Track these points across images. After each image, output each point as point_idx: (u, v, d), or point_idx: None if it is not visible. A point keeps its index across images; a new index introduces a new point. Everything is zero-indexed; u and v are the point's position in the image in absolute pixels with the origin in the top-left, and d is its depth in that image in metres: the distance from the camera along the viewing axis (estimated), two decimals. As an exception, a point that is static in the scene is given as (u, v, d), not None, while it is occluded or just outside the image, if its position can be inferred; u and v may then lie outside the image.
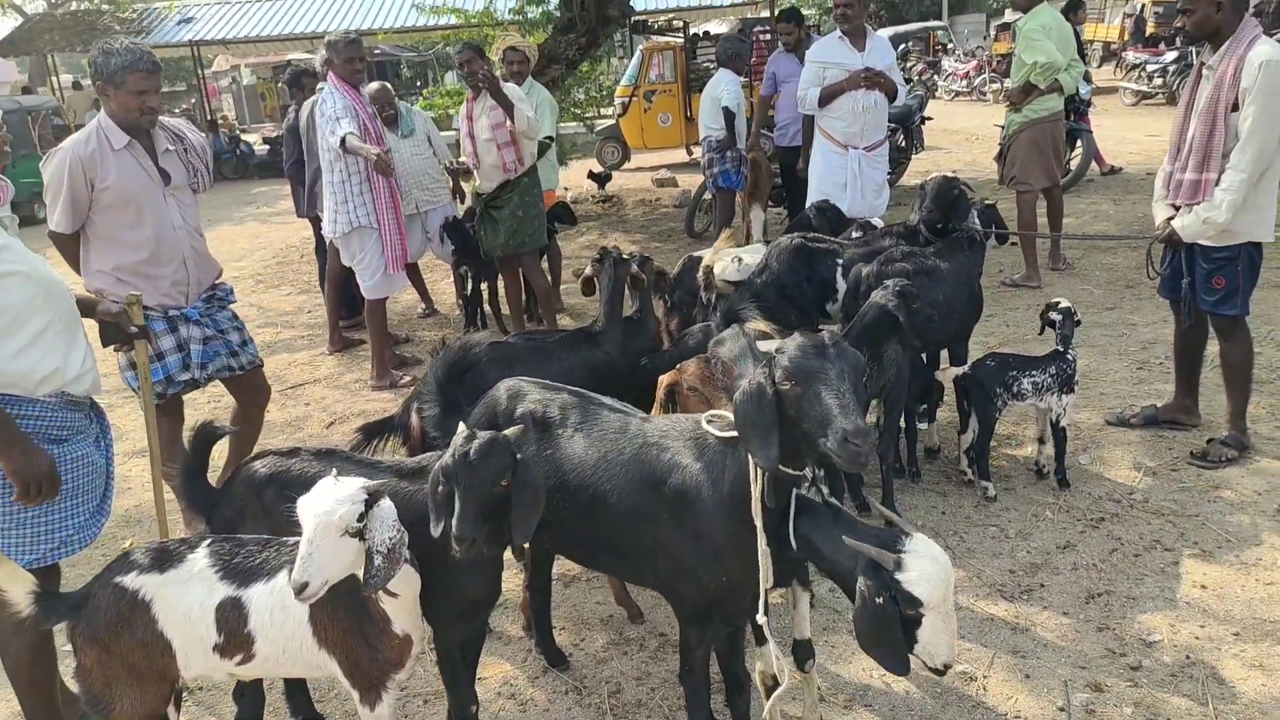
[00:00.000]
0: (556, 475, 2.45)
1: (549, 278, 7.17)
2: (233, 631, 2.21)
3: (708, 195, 9.50)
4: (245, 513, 2.62)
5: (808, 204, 6.78)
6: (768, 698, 2.64)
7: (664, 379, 2.94)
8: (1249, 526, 3.72)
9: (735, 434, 2.13)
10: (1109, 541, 3.72)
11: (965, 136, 16.04)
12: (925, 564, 2.05)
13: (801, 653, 2.68)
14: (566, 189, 13.90)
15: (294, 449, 2.75)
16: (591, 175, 13.64)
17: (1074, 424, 4.71)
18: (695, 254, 4.96)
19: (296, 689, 2.95)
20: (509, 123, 5.91)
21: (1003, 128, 11.13)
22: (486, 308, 7.47)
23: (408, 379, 6.33)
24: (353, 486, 2.11)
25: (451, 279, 7.94)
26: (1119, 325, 6.12)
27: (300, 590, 2.00)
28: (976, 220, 4.33)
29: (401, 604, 2.24)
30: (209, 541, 2.30)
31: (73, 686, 3.14)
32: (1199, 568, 3.49)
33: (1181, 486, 4.08)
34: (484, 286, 7.36)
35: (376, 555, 2.06)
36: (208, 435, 2.80)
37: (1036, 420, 4.29)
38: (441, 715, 2.98)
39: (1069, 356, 4.10)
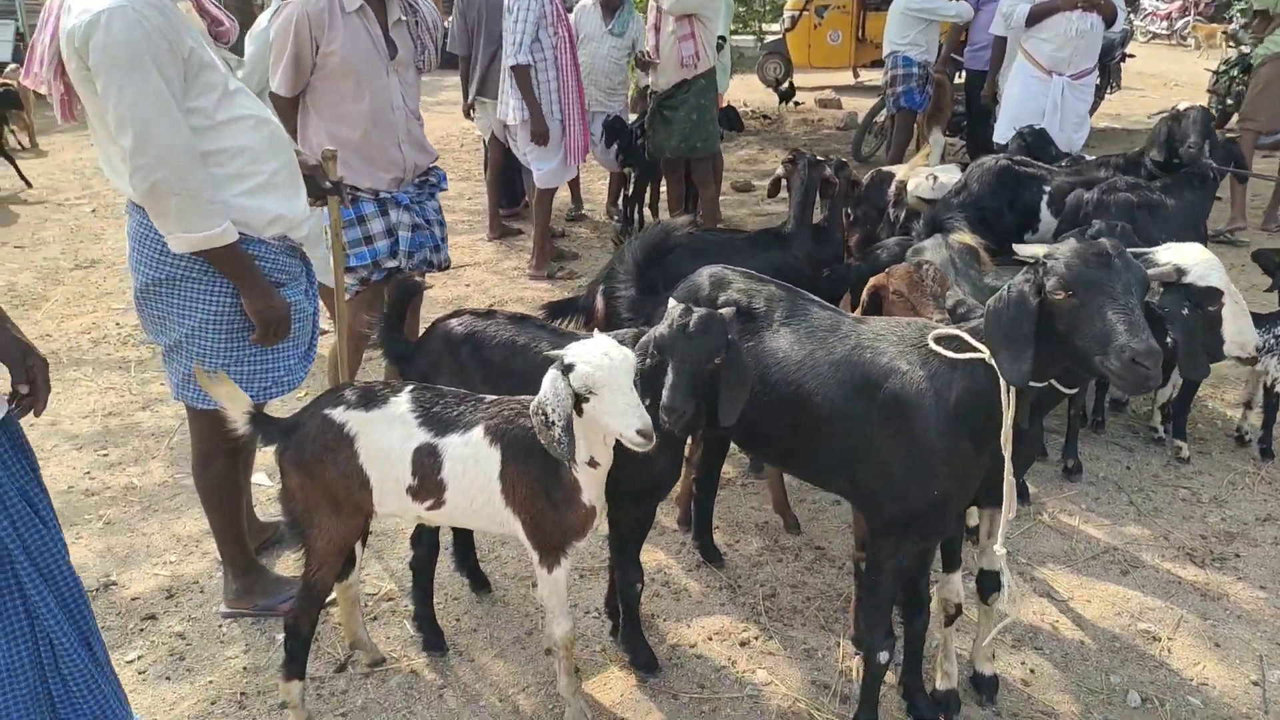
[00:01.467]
0: (758, 368, 2.37)
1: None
2: (426, 476, 2.25)
3: (880, 117, 9.08)
4: (440, 367, 2.66)
5: (998, 133, 6.41)
6: (945, 625, 2.55)
7: (872, 281, 2.80)
8: None
9: (971, 356, 1.99)
10: (1318, 521, 3.42)
11: (1163, 81, 14.73)
12: (1196, 255, 2.13)
13: (988, 584, 2.56)
14: (732, 104, 13.54)
15: (490, 310, 2.77)
16: (779, 91, 13.08)
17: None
18: (885, 169, 4.72)
19: (462, 543, 3.03)
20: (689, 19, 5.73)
21: (1218, 70, 10.19)
22: (646, 211, 7.40)
23: (565, 271, 6.36)
24: (599, 337, 2.16)
25: (607, 183, 7.90)
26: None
27: (653, 432, 2.03)
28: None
29: (596, 475, 2.23)
30: (412, 388, 2.33)
31: (260, 515, 3.34)
32: None
33: (1405, 474, 3.70)
34: (647, 190, 7.28)
35: None
36: (408, 289, 2.85)
37: (1247, 383, 3.94)
38: (595, 595, 3.01)
39: (1294, 314, 3.73)
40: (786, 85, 12.81)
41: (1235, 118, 6.77)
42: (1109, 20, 5.95)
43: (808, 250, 3.68)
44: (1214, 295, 2.14)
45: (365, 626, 2.73)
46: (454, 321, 2.73)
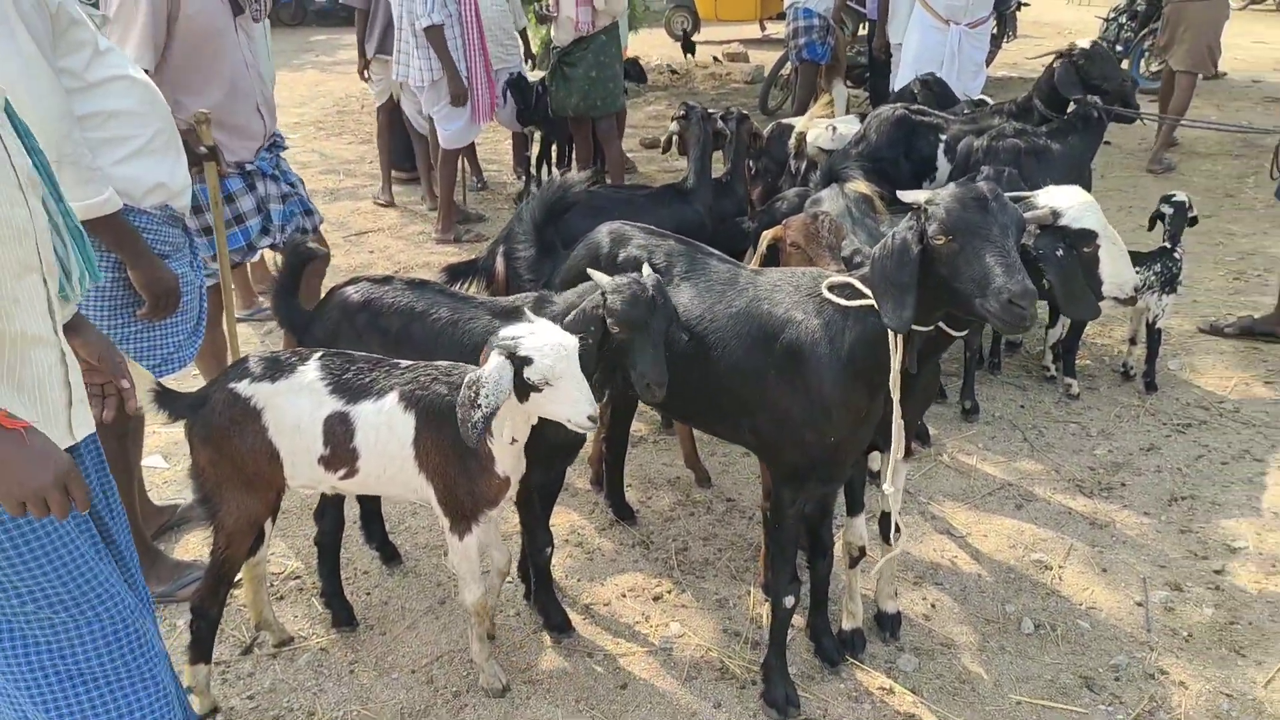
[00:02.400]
0: None
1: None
2: (338, 445, 2.21)
3: (786, 69, 9.10)
4: (337, 335, 2.58)
5: (898, 83, 6.49)
6: (850, 567, 2.62)
7: (767, 233, 2.81)
8: (1345, 445, 3.58)
9: (861, 303, 2.02)
10: (1195, 448, 3.60)
11: (1058, 29, 15.11)
12: (1072, 197, 2.18)
13: (889, 527, 2.63)
14: (638, 58, 13.41)
15: (388, 277, 2.69)
16: (684, 41, 13.02)
17: (1165, 329, 4.53)
18: (785, 121, 4.74)
19: (372, 518, 2.99)
20: None
21: (1108, 18, 10.46)
22: (554, 170, 7.31)
23: (472, 234, 6.25)
24: (539, 322, 2.13)
25: (510, 147, 7.74)
26: (1216, 234, 5.82)
27: (597, 418, 2.05)
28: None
29: (513, 449, 2.21)
30: (320, 355, 2.28)
31: (155, 499, 3.23)
32: (1290, 481, 3.37)
33: (1275, 399, 3.92)
34: (553, 148, 7.18)
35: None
36: (301, 254, 2.74)
37: (1130, 319, 4.11)
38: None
39: (1176, 254, 3.89)
40: (688, 39, 12.75)
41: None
42: (1001, -32, 6.06)
43: (709, 204, 3.68)
44: (1089, 237, 2.19)
45: (271, 606, 2.67)
46: (350, 289, 2.65)
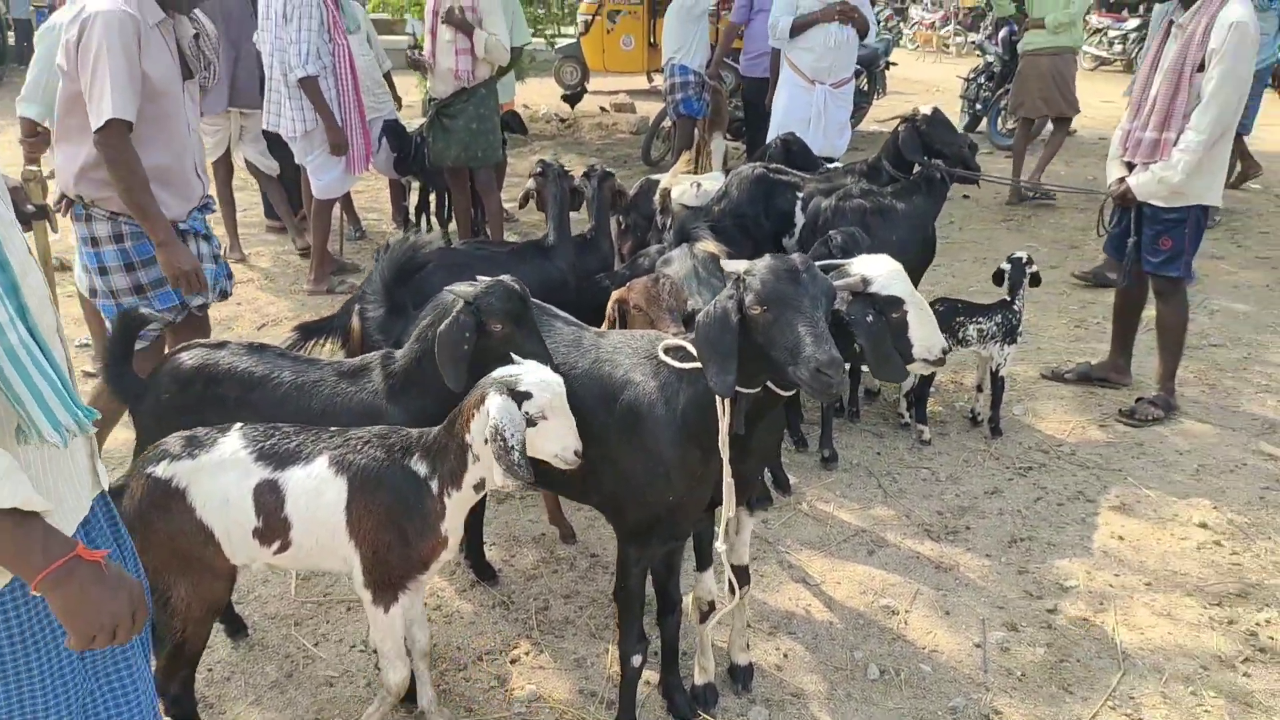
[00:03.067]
0: None
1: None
2: (270, 515, 2.16)
3: (667, 122, 9.33)
4: (173, 405, 2.51)
5: (769, 138, 6.75)
6: (700, 622, 2.66)
7: (614, 295, 2.88)
8: (1168, 484, 3.84)
9: (693, 366, 2.09)
10: (1034, 490, 3.81)
11: (927, 87, 15.98)
12: (881, 266, 2.24)
13: (739, 579, 2.68)
14: (526, 106, 13.53)
15: (222, 342, 2.63)
16: (565, 96, 13.28)
17: (1010, 375, 4.79)
18: (653, 176, 4.86)
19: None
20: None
21: (968, 78, 11.12)
22: (434, 220, 7.28)
23: (346, 285, 6.15)
24: (531, 363, 2.19)
25: (389, 195, 7.67)
26: (1060, 284, 6.21)
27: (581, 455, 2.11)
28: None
29: (464, 502, 2.19)
30: (241, 427, 2.24)
31: None
32: (1118, 520, 3.59)
33: (1108, 442, 4.19)
34: (432, 197, 7.16)
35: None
36: (132, 321, 2.66)
37: (977, 368, 4.34)
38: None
39: (1015, 307, 4.14)
40: (574, 90, 12.99)
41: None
42: (863, 32, 6.39)
43: (571, 261, 3.74)
44: (895, 303, 2.32)
45: None
46: (184, 356, 2.58)
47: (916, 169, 4.27)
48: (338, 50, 5.61)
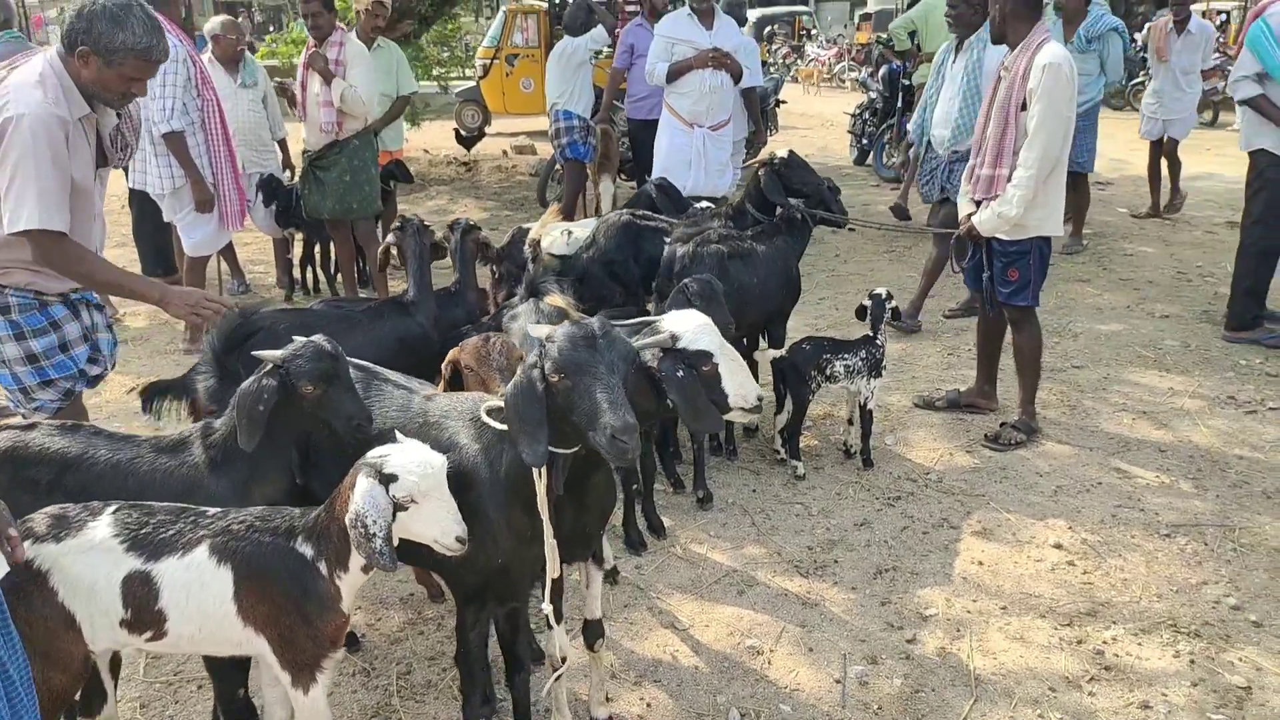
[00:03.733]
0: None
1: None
2: (142, 608, 2.06)
3: (559, 166, 9.41)
4: None
5: (649, 180, 6.86)
6: (556, 679, 2.63)
7: (449, 355, 2.87)
8: (1027, 506, 3.98)
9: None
10: (902, 519, 3.90)
11: (821, 121, 16.48)
12: (690, 322, 2.29)
13: (592, 632, 2.68)
14: (427, 150, 13.51)
15: (34, 423, 2.52)
16: (459, 136, 13.32)
17: (884, 405, 4.93)
18: (525, 225, 4.87)
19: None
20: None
21: (854, 113, 11.48)
22: (320, 273, 7.17)
23: (226, 343, 5.99)
24: (403, 441, 2.12)
25: (273, 251, 7.53)
26: (936, 312, 6.43)
27: (466, 540, 2.04)
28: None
29: (359, 580, 2.12)
30: (115, 509, 2.13)
31: None
32: (978, 545, 3.71)
33: (973, 467, 4.33)
34: (317, 250, 7.06)
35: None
36: None
37: (847, 402, 4.45)
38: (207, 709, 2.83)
39: (878, 341, 4.26)
40: (471, 131, 13.05)
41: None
42: (736, 77, 6.56)
43: (433, 315, 3.71)
44: (705, 357, 2.34)
45: None
46: None
47: (779, 211, 4.38)
48: (206, 105, 5.53)
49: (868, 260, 7.83)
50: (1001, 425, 4.56)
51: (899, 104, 9.53)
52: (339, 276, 6.98)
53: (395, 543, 2.02)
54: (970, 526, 3.84)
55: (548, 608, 2.23)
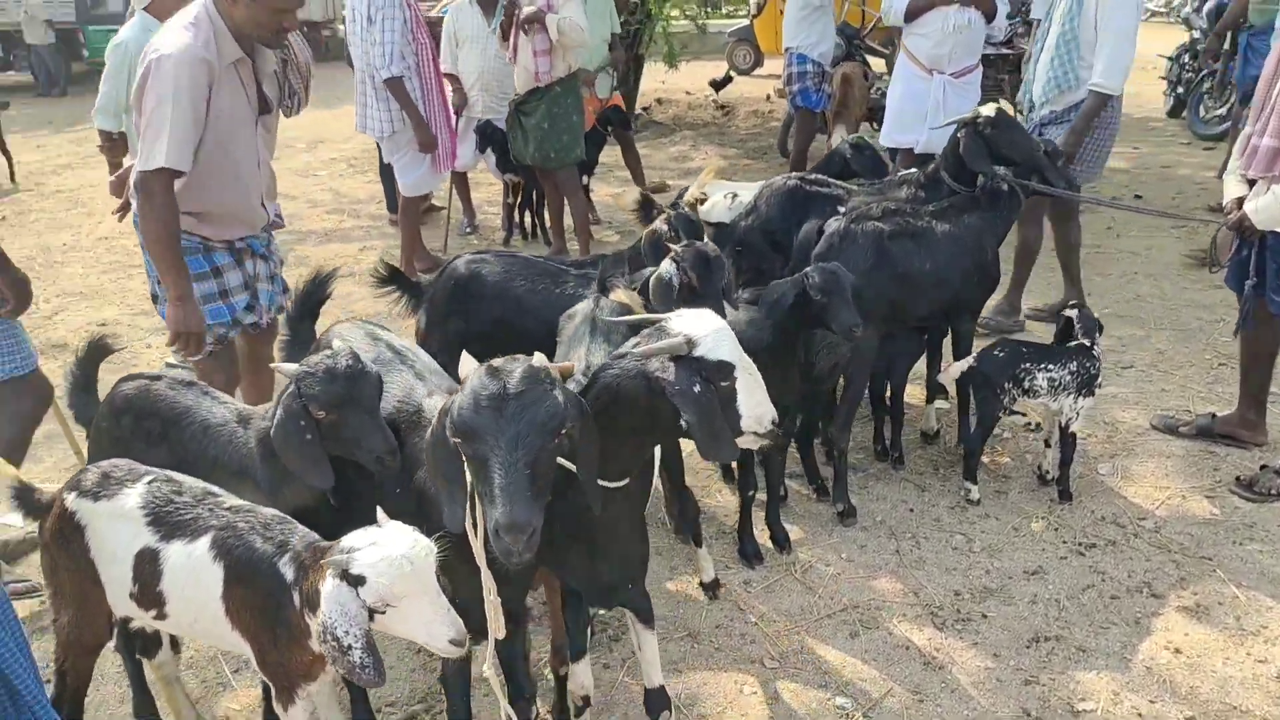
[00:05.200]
0: None
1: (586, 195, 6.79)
2: (147, 585, 2.04)
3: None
4: (109, 434, 2.50)
5: (883, 135, 6.13)
6: (576, 717, 2.36)
7: None
8: (1268, 583, 3.07)
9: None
10: (1088, 575, 3.15)
11: (1137, 64, 14.16)
12: (707, 324, 1.84)
13: (654, 704, 2.33)
14: (688, 93, 13.27)
15: (159, 375, 2.58)
16: (712, 81, 12.98)
17: (1110, 423, 4.06)
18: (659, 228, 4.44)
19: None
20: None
21: (1172, 56, 9.67)
22: (535, 218, 7.20)
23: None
24: (387, 525, 1.82)
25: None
26: (1220, 306, 5.21)
27: (465, 640, 1.77)
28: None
29: None
30: (151, 479, 2.11)
31: None
32: (1183, 625, 2.90)
33: (1208, 518, 3.42)
34: (534, 196, 7.08)
35: None
36: (98, 350, 2.70)
37: (1046, 421, 3.67)
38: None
39: (1095, 353, 3.45)
40: (724, 76, 12.64)
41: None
42: (989, 15, 5.65)
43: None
44: (725, 370, 1.82)
45: (193, 707, 2.54)
46: (126, 386, 2.54)
47: (981, 180, 3.64)
48: (421, 50, 5.60)
49: (1148, 235, 6.55)
50: (1262, 468, 3.56)
51: (1224, 45, 7.85)
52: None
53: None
54: (1179, 598, 3.02)
55: (488, 669, 1.94)
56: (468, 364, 1.75)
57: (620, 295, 2.52)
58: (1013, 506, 3.57)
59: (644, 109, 12.47)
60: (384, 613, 1.71)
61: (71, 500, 2.09)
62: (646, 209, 4.12)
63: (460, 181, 7.27)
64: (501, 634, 1.87)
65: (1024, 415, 3.89)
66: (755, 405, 1.82)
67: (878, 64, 9.17)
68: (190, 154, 2.83)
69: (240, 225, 3.20)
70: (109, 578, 2.07)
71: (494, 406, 1.60)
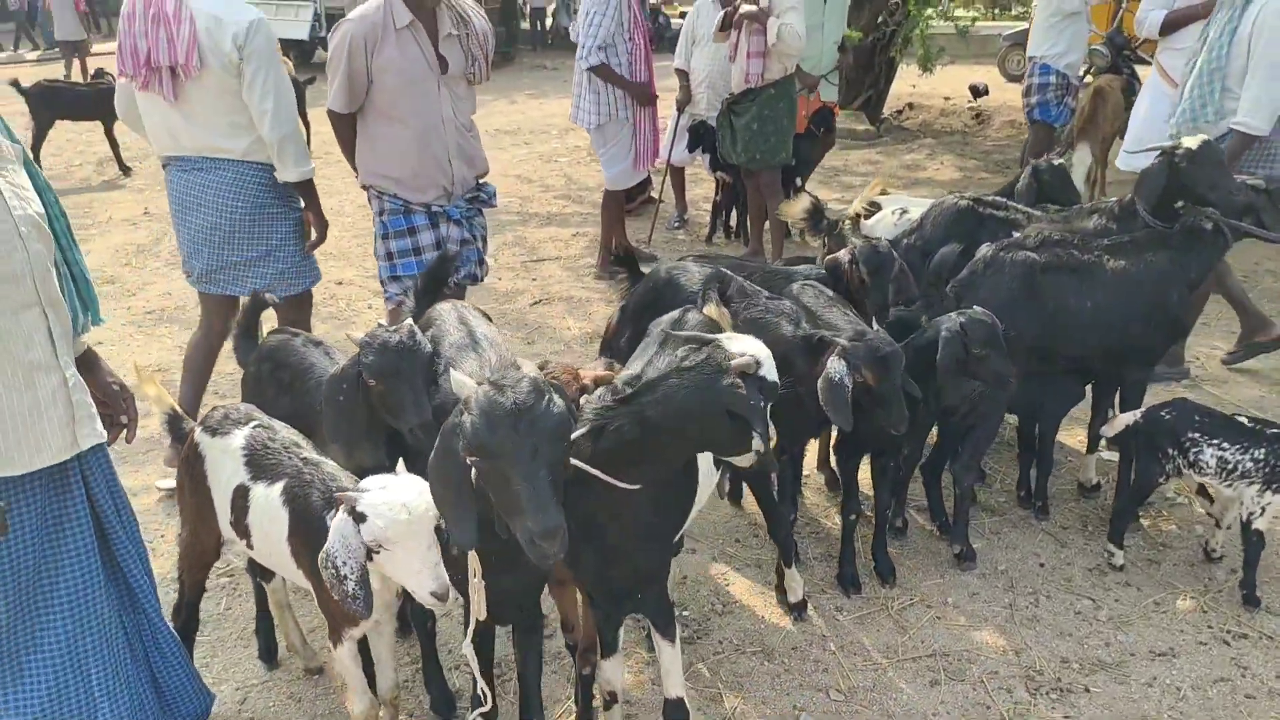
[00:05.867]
0: None
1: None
2: (239, 516, 2.30)
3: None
4: (253, 377, 2.92)
5: (1121, 156, 5.60)
6: (605, 710, 2.46)
7: None
8: None
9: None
10: (1227, 667, 2.80)
11: None
12: (758, 347, 1.89)
13: (674, 715, 2.32)
14: (947, 98, 12.68)
15: (297, 331, 2.97)
16: (971, 86, 12.32)
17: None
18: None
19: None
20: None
21: None
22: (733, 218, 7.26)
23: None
24: (401, 476, 2.05)
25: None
26: None
27: (449, 592, 1.93)
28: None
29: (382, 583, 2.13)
30: (256, 424, 2.38)
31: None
32: (1327, 748, 2.52)
33: (1407, 634, 2.91)
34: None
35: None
36: (259, 303, 3.11)
37: (1225, 507, 3.22)
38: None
39: (1297, 445, 2.98)
40: (983, 83, 11.89)
41: None
42: (1259, 32, 5.00)
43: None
44: (774, 391, 1.87)
45: (300, 629, 2.82)
46: (273, 337, 2.95)
47: (1183, 217, 3.28)
48: (634, 50, 5.80)
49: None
50: None
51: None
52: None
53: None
54: (1331, 716, 2.62)
55: (467, 648, 2.05)
56: (460, 381, 1.82)
57: (711, 309, 2.55)
58: (1162, 580, 3.22)
59: (894, 113, 12.08)
60: (379, 553, 1.89)
61: (199, 433, 2.42)
62: (815, 218, 4.10)
63: (677, 176, 7.46)
64: (483, 615, 1.98)
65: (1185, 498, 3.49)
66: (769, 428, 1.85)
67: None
68: (344, 99, 3.53)
69: (433, 187, 3.62)
70: (218, 504, 2.36)
71: (511, 423, 1.66)
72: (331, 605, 2.15)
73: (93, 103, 9.17)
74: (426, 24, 3.44)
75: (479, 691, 2.18)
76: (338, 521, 1.92)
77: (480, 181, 3.83)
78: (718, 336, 1.93)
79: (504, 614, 2.20)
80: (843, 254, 3.27)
